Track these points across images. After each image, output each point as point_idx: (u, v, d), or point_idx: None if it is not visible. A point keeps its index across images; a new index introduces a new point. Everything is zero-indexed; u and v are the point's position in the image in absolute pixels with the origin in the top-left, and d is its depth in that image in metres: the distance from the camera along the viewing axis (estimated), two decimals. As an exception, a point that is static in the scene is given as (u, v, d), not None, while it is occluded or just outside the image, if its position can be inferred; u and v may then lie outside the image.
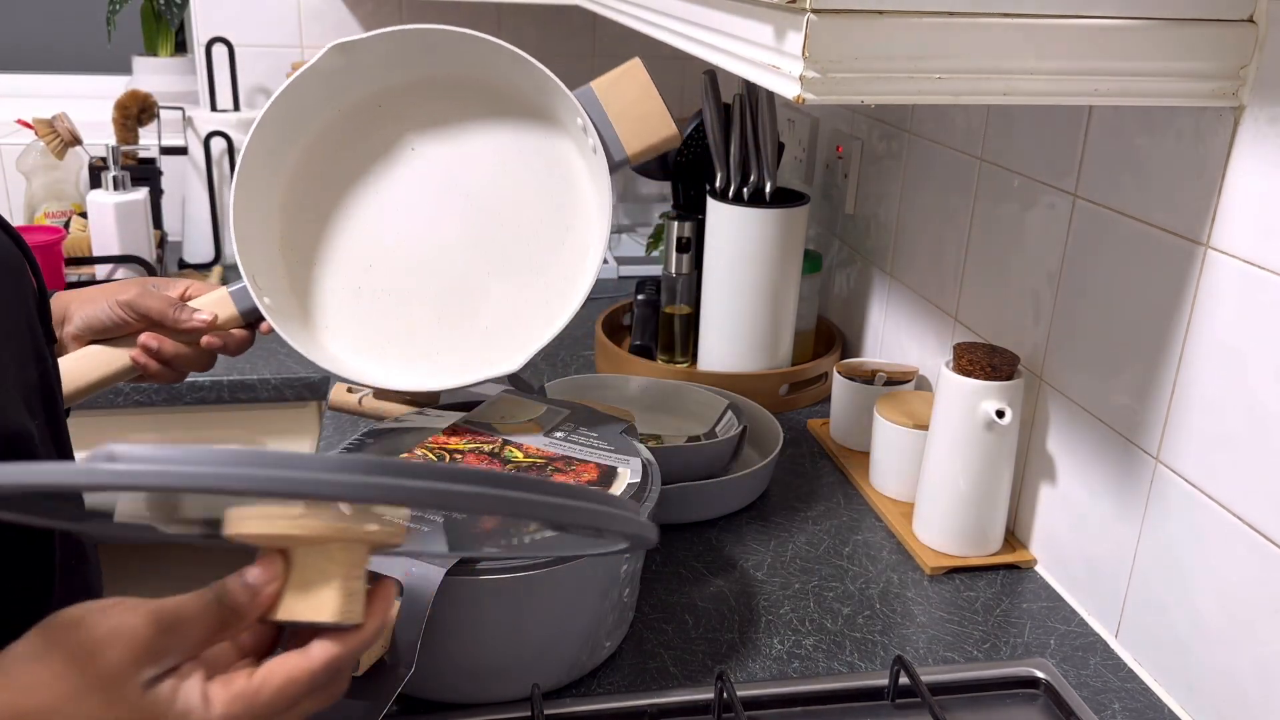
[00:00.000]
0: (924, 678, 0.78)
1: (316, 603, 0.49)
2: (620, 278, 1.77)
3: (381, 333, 0.90)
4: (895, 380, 1.17)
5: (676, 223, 1.34)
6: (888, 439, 1.07)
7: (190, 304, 0.86)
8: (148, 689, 0.46)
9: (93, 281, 1.51)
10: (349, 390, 1.11)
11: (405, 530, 0.53)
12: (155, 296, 0.85)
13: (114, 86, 2.03)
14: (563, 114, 0.85)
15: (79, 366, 0.85)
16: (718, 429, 1.14)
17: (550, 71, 0.82)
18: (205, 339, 0.86)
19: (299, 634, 0.52)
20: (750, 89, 1.25)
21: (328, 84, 0.85)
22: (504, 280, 0.89)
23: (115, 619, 0.46)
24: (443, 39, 0.84)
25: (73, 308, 0.86)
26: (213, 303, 0.87)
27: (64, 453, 0.83)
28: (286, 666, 0.49)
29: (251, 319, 0.87)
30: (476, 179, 0.89)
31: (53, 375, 0.78)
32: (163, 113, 1.74)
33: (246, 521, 0.49)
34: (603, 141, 0.83)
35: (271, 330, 0.86)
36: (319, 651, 0.50)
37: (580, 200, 0.88)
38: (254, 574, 0.50)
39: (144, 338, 0.85)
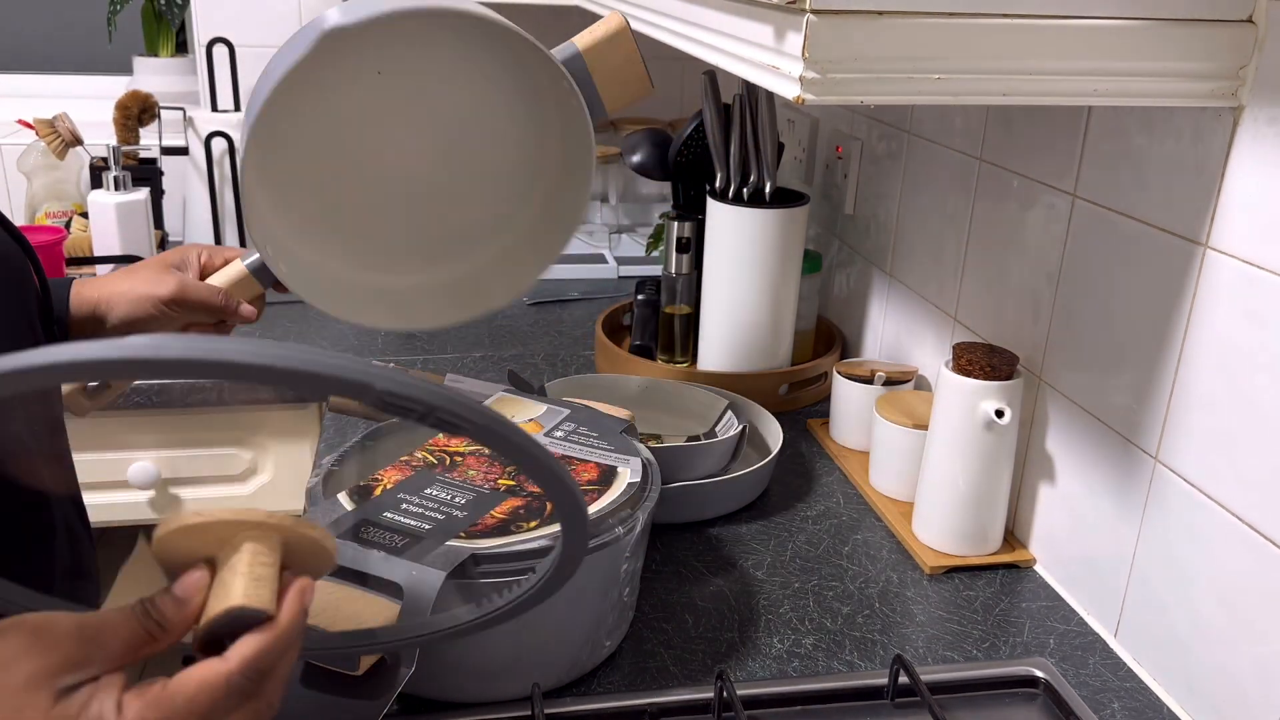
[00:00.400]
0: (923, 677, 0.78)
1: (224, 593, 0.49)
2: (620, 278, 1.77)
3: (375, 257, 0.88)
4: (895, 380, 1.18)
5: (676, 223, 1.34)
6: (887, 439, 1.07)
7: (218, 286, 0.88)
8: (60, 697, 0.45)
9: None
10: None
11: (324, 532, 0.53)
12: (198, 290, 0.86)
13: (115, 87, 2.03)
14: (545, 74, 0.85)
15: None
16: (718, 429, 1.14)
17: (534, 39, 0.82)
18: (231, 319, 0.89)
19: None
20: (750, 89, 1.25)
21: (319, 66, 0.82)
22: (472, 229, 0.88)
23: (38, 627, 0.46)
24: (441, 18, 0.83)
25: (106, 306, 0.85)
26: (241, 286, 0.89)
27: (62, 456, 0.83)
28: (201, 670, 0.48)
29: (268, 286, 0.90)
30: (449, 126, 0.87)
31: None
32: (163, 113, 1.74)
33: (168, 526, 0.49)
34: (585, 102, 0.82)
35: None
36: (234, 651, 0.49)
37: (550, 152, 0.86)
38: (179, 586, 0.50)
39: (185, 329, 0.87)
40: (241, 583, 0.49)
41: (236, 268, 0.89)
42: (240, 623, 0.49)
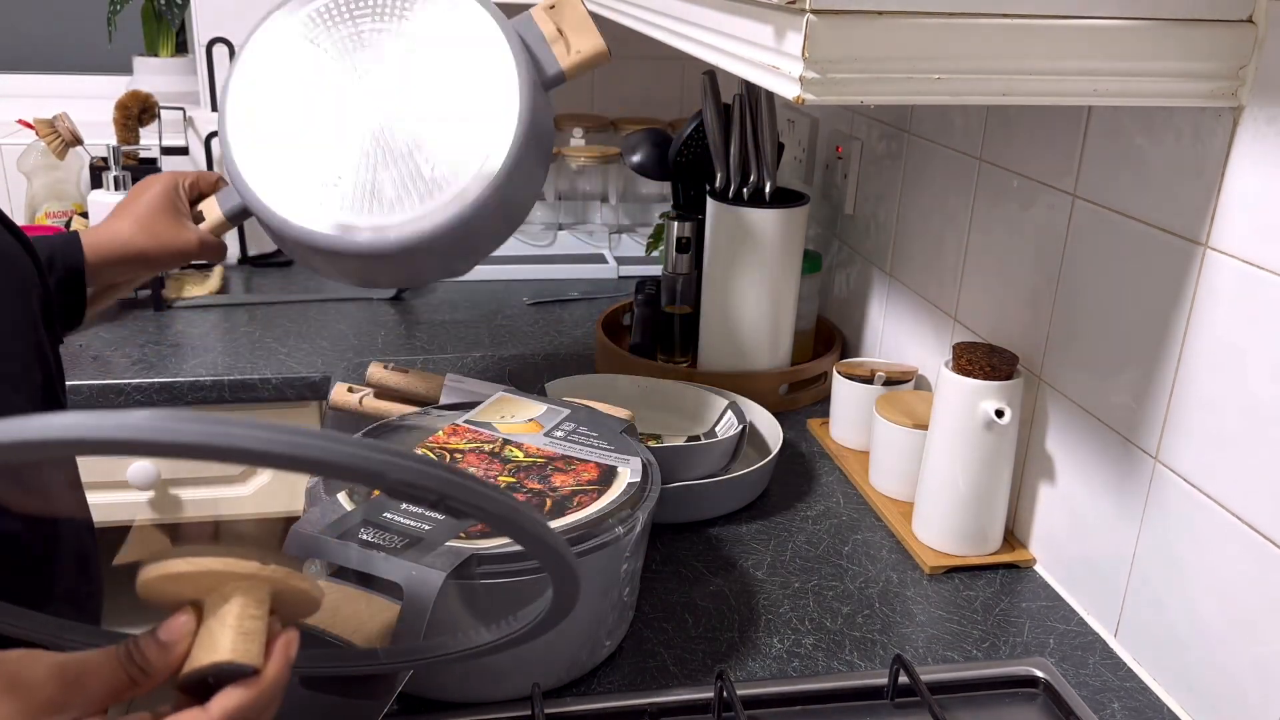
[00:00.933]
0: (923, 677, 0.78)
1: (211, 644, 0.48)
2: (620, 278, 1.77)
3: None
4: (895, 380, 1.18)
5: (676, 223, 1.34)
6: (887, 439, 1.08)
7: (216, 239, 0.98)
8: None
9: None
10: (349, 390, 1.11)
11: (314, 582, 0.53)
12: (210, 245, 0.96)
13: (115, 87, 2.03)
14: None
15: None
16: (718, 429, 1.14)
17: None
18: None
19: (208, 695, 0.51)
20: (750, 89, 1.25)
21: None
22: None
23: (17, 668, 0.46)
24: None
25: (137, 250, 0.92)
26: (220, 228, 0.98)
27: (76, 481, 0.83)
28: (182, 718, 0.48)
29: (237, 219, 0.98)
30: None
31: (55, 378, 0.78)
32: (163, 113, 1.74)
33: (154, 570, 0.48)
34: (535, 58, 0.90)
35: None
36: (216, 703, 0.48)
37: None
38: (164, 630, 0.49)
39: None
40: (230, 636, 0.48)
41: (216, 214, 0.98)
42: (226, 675, 0.49)
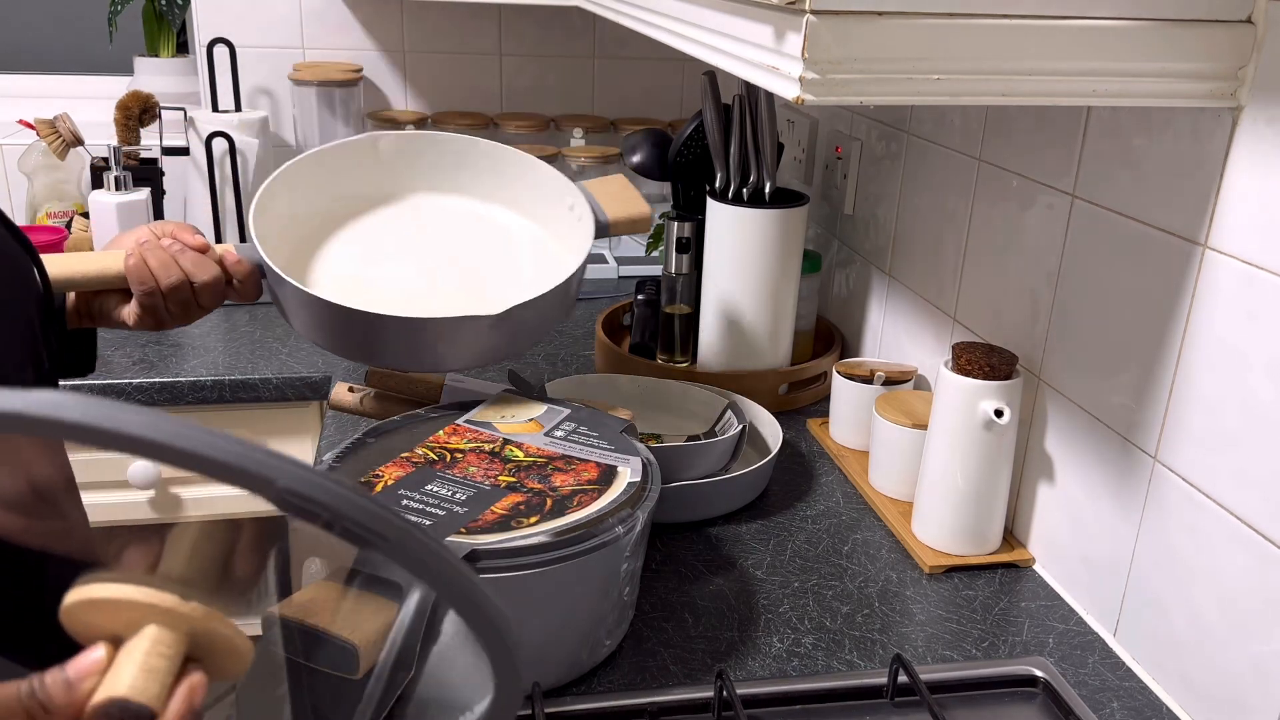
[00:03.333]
0: (923, 676, 0.79)
1: (114, 679, 0.46)
2: (620, 278, 1.77)
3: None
4: (894, 380, 1.18)
5: (676, 223, 1.34)
6: (887, 438, 1.08)
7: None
8: None
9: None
10: (350, 390, 1.11)
11: (238, 631, 0.49)
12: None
13: (116, 87, 2.03)
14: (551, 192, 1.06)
15: (70, 260, 0.89)
16: (718, 429, 1.14)
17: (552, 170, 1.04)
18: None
19: None
20: (750, 90, 1.25)
21: (360, 151, 1.04)
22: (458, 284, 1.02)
23: None
24: (471, 146, 1.07)
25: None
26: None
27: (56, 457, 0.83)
28: None
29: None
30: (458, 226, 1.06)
31: (49, 379, 0.78)
32: (164, 113, 1.74)
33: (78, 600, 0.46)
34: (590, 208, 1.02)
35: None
36: None
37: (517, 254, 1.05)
38: (73, 666, 0.46)
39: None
40: (131, 672, 0.45)
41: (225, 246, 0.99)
42: (124, 714, 0.45)
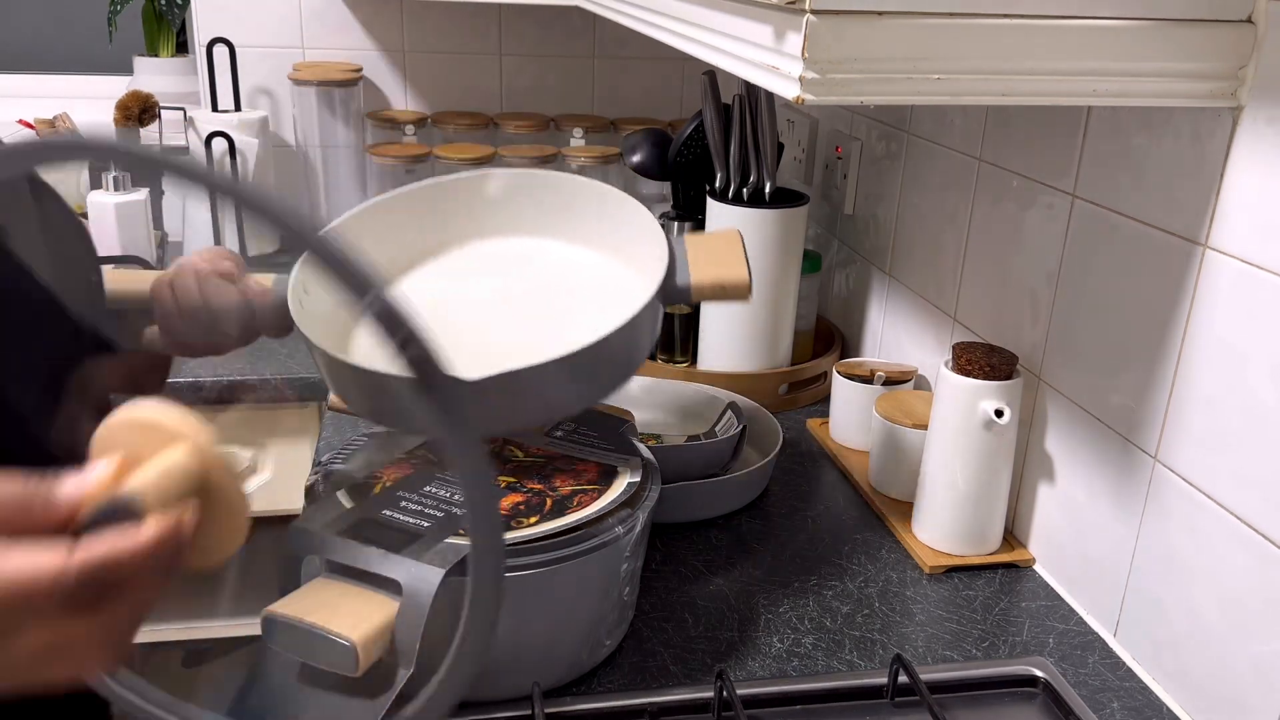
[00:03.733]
0: (923, 676, 0.79)
1: (124, 481, 0.46)
2: (620, 278, 1.77)
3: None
4: (894, 380, 1.18)
5: (676, 223, 1.34)
6: (887, 438, 1.08)
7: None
8: None
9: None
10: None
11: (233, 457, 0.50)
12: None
13: (115, 87, 2.03)
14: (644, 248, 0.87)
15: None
16: (718, 429, 1.14)
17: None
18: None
19: None
20: (750, 89, 1.25)
21: (457, 191, 0.92)
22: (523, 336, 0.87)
23: None
24: (571, 184, 0.91)
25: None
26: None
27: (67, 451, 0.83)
28: (32, 554, 0.42)
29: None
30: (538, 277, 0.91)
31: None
32: (164, 113, 1.74)
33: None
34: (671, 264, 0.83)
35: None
36: (81, 547, 0.42)
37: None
38: (89, 467, 0.45)
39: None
40: (140, 475, 0.46)
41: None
42: (114, 517, 0.44)
